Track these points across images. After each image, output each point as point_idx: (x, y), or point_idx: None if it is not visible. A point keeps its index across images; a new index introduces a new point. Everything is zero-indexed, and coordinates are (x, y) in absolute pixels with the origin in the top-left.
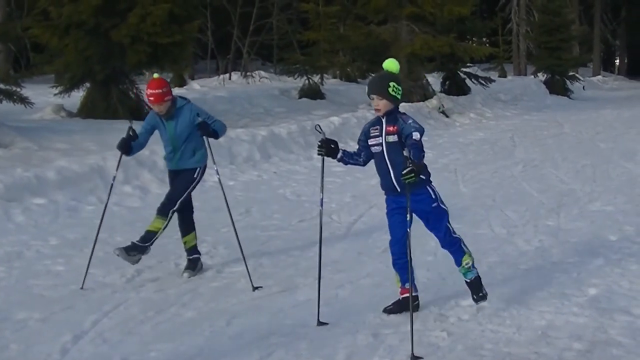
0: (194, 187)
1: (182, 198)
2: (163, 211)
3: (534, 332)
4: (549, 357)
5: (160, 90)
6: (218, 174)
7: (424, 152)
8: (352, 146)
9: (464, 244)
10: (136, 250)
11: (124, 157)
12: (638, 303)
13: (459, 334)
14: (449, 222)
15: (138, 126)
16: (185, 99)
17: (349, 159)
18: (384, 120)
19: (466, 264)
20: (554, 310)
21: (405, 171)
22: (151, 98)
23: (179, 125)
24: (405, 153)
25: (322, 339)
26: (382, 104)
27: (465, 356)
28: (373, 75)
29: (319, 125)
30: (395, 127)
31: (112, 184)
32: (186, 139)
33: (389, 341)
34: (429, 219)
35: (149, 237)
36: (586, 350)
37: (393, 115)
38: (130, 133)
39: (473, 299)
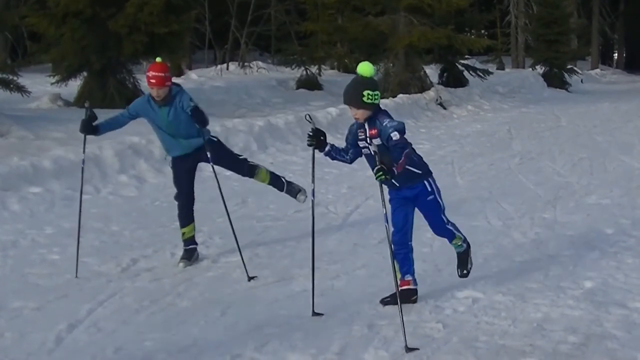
0: (226, 147)
1: (234, 153)
2: (250, 171)
3: (529, 324)
4: (544, 349)
5: (163, 74)
6: (211, 161)
7: (407, 149)
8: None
9: (456, 230)
10: (292, 190)
11: (119, 147)
12: (633, 296)
13: (454, 325)
14: (443, 215)
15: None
16: (179, 86)
17: (336, 154)
18: (366, 125)
19: (456, 243)
20: (550, 303)
21: (375, 170)
22: (153, 80)
23: (172, 113)
24: (372, 148)
25: (317, 329)
26: (360, 113)
27: (460, 348)
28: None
29: (309, 115)
30: (375, 130)
31: (82, 167)
32: (182, 125)
33: (384, 332)
34: (424, 209)
35: (278, 181)
36: (581, 343)
37: (373, 118)
38: (89, 113)
39: (457, 273)
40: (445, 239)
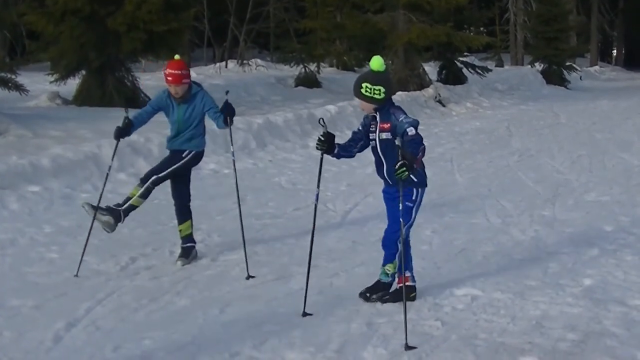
0: (179, 167)
1: (162, 173)
2: (142, 179)
3: (528, 322)
4: (543, 347)
5: (180, 72)
6: (233, 156)
7: (423, 144)
8: (349, 135)
9: (399, 255)
10: (108, 212)
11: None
12: (633, 294)
13: (453, 323)
14: (404, 228)
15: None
16: (199, 85)
17: (343, 151)
18: (377, 117)
19: (387, 270)
20: (549, 301)
21: (397, 166)
22: (169, 78)
23: (190, 111)
24: (397, 142)
25: (315, 327)
26: (363, 105)
27: (459, 346)
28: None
29: (323, 119)
30: (389, 125)
31: (107, 174)
32: (192, 125)
33: (383, 330)
34: (393, 207)
35: (124, 201)
36: (580, 341)
37: (386, 112)
38: (126, 121)
39: (364, 293)
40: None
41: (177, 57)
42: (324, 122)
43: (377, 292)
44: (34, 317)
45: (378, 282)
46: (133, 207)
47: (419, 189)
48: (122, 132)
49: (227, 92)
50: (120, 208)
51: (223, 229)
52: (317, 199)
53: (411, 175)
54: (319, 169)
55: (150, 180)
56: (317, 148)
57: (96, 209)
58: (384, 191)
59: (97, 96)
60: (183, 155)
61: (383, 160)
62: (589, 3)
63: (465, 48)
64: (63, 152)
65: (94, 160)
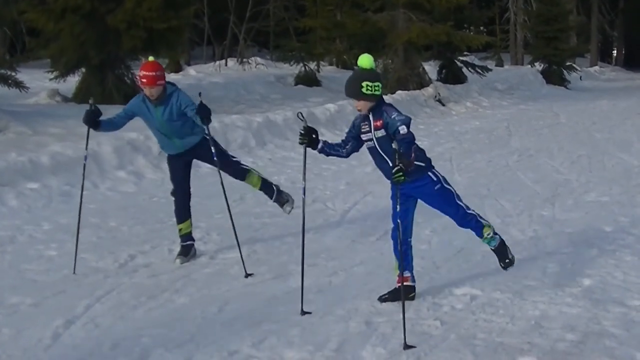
0: (220, 148)
1: (229, 154)
2: (242, 172)
3: (527, 322)
4: (542, 347)
5: (154, 73)
6: (215, 156)
7: (415, 143)
8: None
9: (481, 217)
10: (281, 200)
11: (117, 143)
12: (632, 294)
13: (452, 323)
14: (459, 201)
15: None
16: (173, 85)
17: (330, 149)
18: (371, 116)
19: (487, 235)
20: (548, 301)
21: (393, 171)
22: (144, 80)
23: (167, 112)
24: (394, 146)
25: (314, 326)
26: (362, 104)
27: (457, 345)
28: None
29: (301, 113)
30: (381, 122)
31: (84, 164)
32: (177, 124)
33: (382, 329)
34: (436, 201)
35: (269, 188)
36: (579, 341)
37: (378, 109)
38: (93, 108)
39: (500, 265)
40: (473, 235)
41: (151, 58)
42: (303, 116)
43: (503, 254)
44: (32, 315)
45: (494, 250)
46: (268, 182)
47: (432, 171)
48: (91, 117)
49: (199, 94)
50: (275, 194)
51: (222, 227)
52: (304, 193)
53: (406, 175)
54: (303, 162)
55: (243, 165)
56: (299, 142)
57: (281, 203)
58: (393, 192)
59: (97, 93)
60: (208, 138)
61: (386, 158)
62: (589, 3)
63: (465, 47)
64: (62, 149)
65: (93, 158)
